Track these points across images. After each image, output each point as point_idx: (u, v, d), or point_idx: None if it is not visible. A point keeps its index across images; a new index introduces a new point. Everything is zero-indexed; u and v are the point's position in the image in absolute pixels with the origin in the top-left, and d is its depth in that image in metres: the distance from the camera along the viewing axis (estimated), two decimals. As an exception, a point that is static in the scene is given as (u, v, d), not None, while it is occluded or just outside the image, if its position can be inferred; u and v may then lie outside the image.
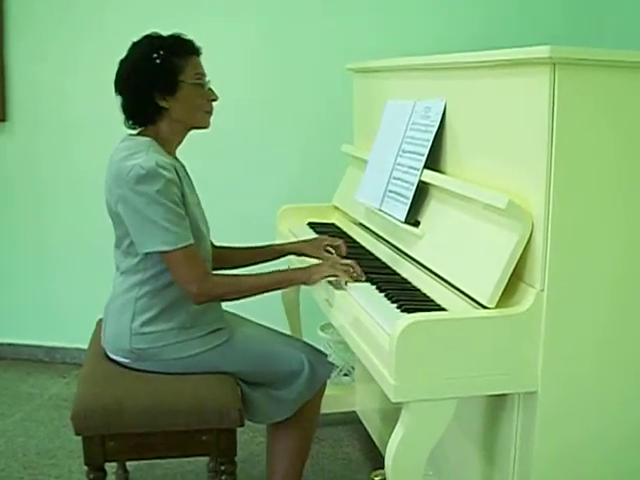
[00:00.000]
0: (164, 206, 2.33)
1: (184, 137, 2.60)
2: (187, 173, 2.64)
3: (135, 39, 2.51)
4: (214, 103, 2.57)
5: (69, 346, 4.58)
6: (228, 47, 4.10)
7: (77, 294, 4.47)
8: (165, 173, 2.33)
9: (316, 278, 2.51)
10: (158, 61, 2.44)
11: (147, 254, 2.42)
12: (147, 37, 2.50)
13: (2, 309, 4.67)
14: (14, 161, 4.47)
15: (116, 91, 2.51)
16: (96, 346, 2.66)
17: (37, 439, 3.64)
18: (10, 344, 4.68)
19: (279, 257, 2.93)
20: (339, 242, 2.83)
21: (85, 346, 2.82)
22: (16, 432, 3.72)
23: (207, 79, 2.55)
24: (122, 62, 2.50)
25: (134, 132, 2.56)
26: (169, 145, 2.54)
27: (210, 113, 2.57)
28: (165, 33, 2.52)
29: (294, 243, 2.98)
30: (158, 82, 2.44)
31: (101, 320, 2.69)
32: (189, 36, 2.53)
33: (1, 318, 4.69)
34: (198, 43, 2.53)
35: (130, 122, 2.54)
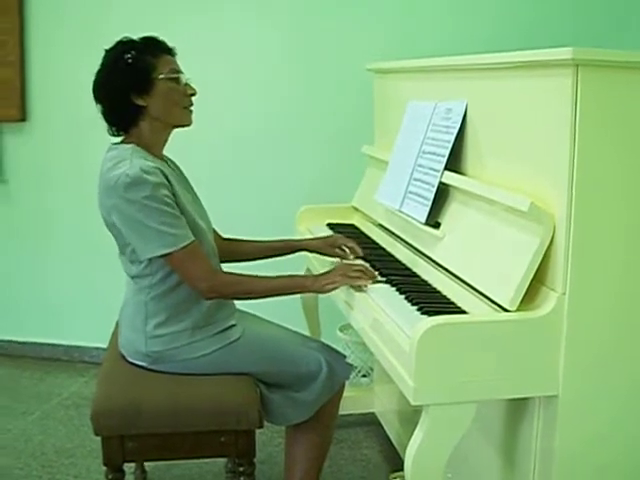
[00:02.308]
0: (157, 210, 2.32)
1: (168, 136, 2.59)
2: (179, 171, 2.65)
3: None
4: (193, 98, 2.56)
5: (88, 345, 4.60)
6: (249, 48, 4.11)
7: (96, 293, 4.49)
8: (151, 178, 2.32)
9: (329, 288, 2.49)
10: (130, 61, 2.44)
11: (152, 258, 2.42)
12: (119, 42, 2.51)
13: (22, 308, 4.70)
14: (34, 160, 4.49)
15: (95, 100, 2.51)
16: (114, 347, 2.67)
17: (56, 438, 3.66)
18: (29, 343, 4.71)
19: (292, 252, 2.92)
20: (353, 243, 2.83)
21: (103, 345, 2.82)
22: (35, 431, 3.73)
23: (185, 76, 2.54)
24: (98, 71, 2.50)
25: (118, 140, 2.55)
26: (154, 147, 2.53)
27: (189, 109, 2.56)
28: (139, 35, 2.52)
29: (308, 240, 2.99)
30: (132, 81, 2.43)
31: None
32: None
33: (21, 317, 4.71)
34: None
35: (113, 128, 2.54)
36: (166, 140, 2.60)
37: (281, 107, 4.17)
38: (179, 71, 2.52)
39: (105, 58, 2.50)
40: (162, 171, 2.40)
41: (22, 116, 4.40)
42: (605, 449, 2.08)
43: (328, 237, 2.94)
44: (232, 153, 4.19)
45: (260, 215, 4.21)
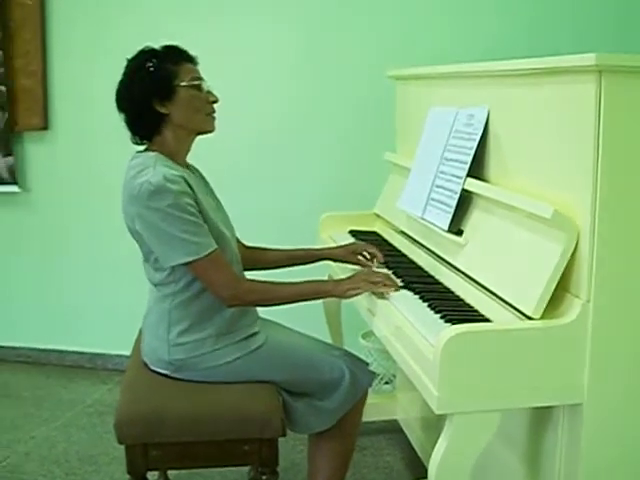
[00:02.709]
0: (179, 219, 2.33)
1: (191, 144, 2.60)
2: (203, 179, 2.66)
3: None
4: (215, 105, 2.56)
5: (111, 352, 4.62)
6: (269, 53, 4.12)
7: (120, 300, 4.50)
8: (173, 187, 2.33)
9: (351, 294, 2.50)
10: (152, 69, 2.45)
11: (175, 266, 2.42)
12: (141, 51, 2.52)
13: (45, 316, 4.72)
14: (56, 168, 4.52)
15: (118, 109, 2.52)
16: (138, 355, 2.67)
17: (79, 445, 3.67)
18: (53, 350, 4.73)
19: (314, 261, 2.93)
20: (374, 249, 2.83)
21: (126, 352, 2.83)
22: (58, 438, 3.75)
23: (206, 83, 2.54)
24: (120, 80, 2.51)
25: (142, 148, 2.56)
26: (177, 155, 2.54)
27: (212, 116, 2.56)
28: (161, 44, 2.53)
29: (330, 249, 2.99)
30: (155, 88, 2.44)
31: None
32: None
33: (44, 324, 4.74)
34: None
35: (136, 137, 2.55)
36: (189, 147, 2.60)
37: (302, 113, 4.18)
38: (200, 78, 2.53)
39: (127, 67, 2.50)
40: (185, 179, 2.40)
41: (44, 125, 4.43)
42: (631, 458, 2.06)
43: (349, 245, 2.94)
44: (251, 161, 4.19)
45: (281, 223, 4.21)
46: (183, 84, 2.46)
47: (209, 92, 2.54)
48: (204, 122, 2.54)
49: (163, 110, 2.46)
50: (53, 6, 4.32)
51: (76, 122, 4.43)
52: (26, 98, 4.40)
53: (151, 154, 2.47)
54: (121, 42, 4.10)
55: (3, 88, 4.37)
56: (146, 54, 2.50)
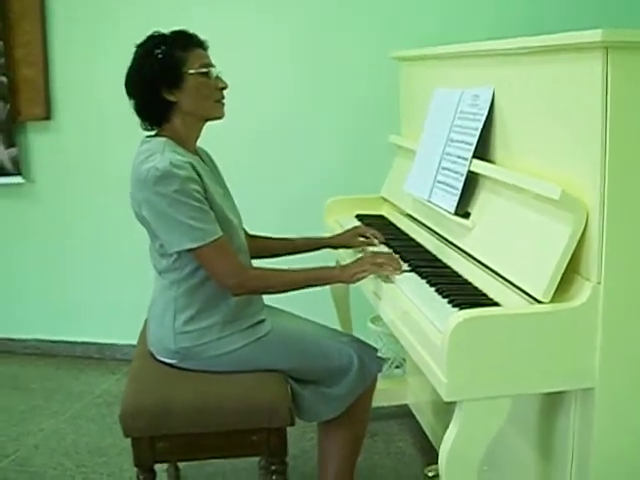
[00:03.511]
0: (186, 204, 2.31)
1: (200, 130, 2.57)
2: (214, 165, 2.64)
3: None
4: (225, 92, 2.54)
5: (119, 342, 4.60)
6: (273, 36, 4.09)
7: (126, 290, 4.48)
8: (180, 172, 2.31)
9: (358, 277, 2.47)
10: (160, 56, 2.42)
11: (181, 252, 2.40)
12: (150, 37, 2.49)
13: (52, 307, 4.72)
14: (59, 158, 4.50)
15: (127, 95, 2.50)
16: (143, 346, 2.65)
17: (89, 437, 3.66)
18: (61, 341, 4.73)
19: (315, 250, 2.92)
20: (373, 230, 2.85)
21: (134, 342, 2.80)
22: (68, 430, 3.74)
23: (216, 69, 2.52)
24: (130, 66, 2.49)
25: (151, 133, 2.54)
26: (186, 141, 2.51)
27: (221, 102, 2.54)
28: (170, 30, 2.50)
29: (332, 236, 2.99)
30: (163, 76, 2.42)
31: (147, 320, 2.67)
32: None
33: (52, 316, 4.73)
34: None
35: (145, 123, 2.53)
36: (199, 134, 2.58)
37: (306, 96, 4.15)
38: (210, 64, 2.50)
39: (136, 53, 2.48)
40: (193, 165, 2.38)
41: (47, 115, 4.40)
42: (644, 442, 2.03)
43: (350, 229, 2.94)
44: (255, 147, 4.16)
45: (287, 209, 4.20)
46: (192, 72, 2.44)
47: (218, 78, 2.52)
48: (213, 109, 2.52)
49: (171, 98, 2.44)
50: (54, -5, 4.30)
51: (79, 111, 4.40)
52: (28, 88, 4.37)
53: (160, 139, 2.46)
54: (122, 31, 4.11)
55: (4, 79, 4.34)
56: (155, 40, 2.47)
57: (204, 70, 2.47)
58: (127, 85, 2.49)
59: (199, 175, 2.39)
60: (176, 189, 2.29)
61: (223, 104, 2.55)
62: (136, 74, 2.47)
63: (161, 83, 2.42)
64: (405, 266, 2.53)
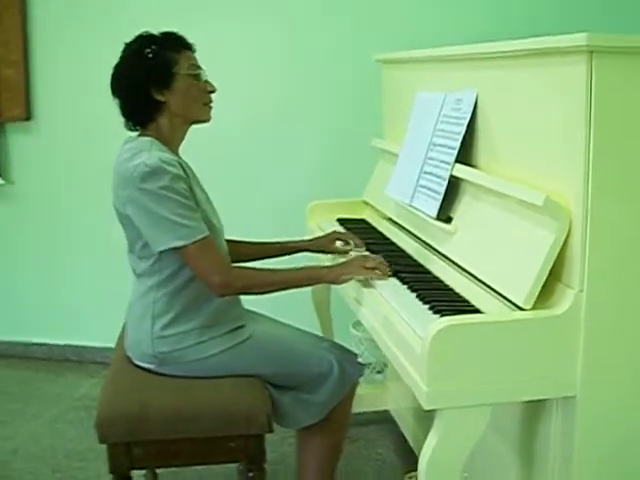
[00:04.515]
0: (173, 201, 2.28)
1: (185, 133, 2.56)
2: (192, 171, 2.58)
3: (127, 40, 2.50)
4: (213, 95, 2.54)
5: (98, 345, 4.55)
6: (257, 39, 4.05)
7: (106, 293, 4.45)
8: (170, 168, 2.29)
9: (344, 279, 2.46)
10: (151, 55, 2.41)
11: (161, 254, 2.37)
12: (139, 36, 2.48)
13: (30, 309, 4.67)
14: (40, 159, 4.46)
15: (113, 94, 2.48)
16: (121, 350, 2.62)
17: (66, 441, 3.62)
18: (39, 344, 4.68)
19: (291, 254, 2.90)
20: (350, 235, 2.86)
21: (114, 345, 2.77)
22: (45, 434, 3.70)
23: (204, 72, 2.51)
24: (116, 65, 2.48)
25: (135, 134, 2.52)
26: (171, 143, 2.49)
27: (209, 106, 2.54)
28: (159, 30, 2.50)
29: (307, 240, 2.99)
30: (153, 76, 2.41)
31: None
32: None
33: (30, 318, 4.69)
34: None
35: (130, 123, 2.51)
36: (183, 136, 2.56)
37: (288, 99, 4.11)
38: (199, 67, 2.49)
39: (124, 52, 2.47)
40: (181, 164, 2.37)
41: (27, 115, 4.35)
42: (625, 451, 2.02)
43: (328, 234, 2.93)
44: (236, 150, 4.14)
45: (268, 209, 4.17)
46: (182, 72, 2.43)
47: (207, 82, 2.51)
48: (201, 111, 2.52)
49: (160, 97, 2.43)
50: (34, -7, 4.25)
51: (59, 112, 4.36)
52: (8, 88, 4.31)
53: (146, 139, 2.44)
54: (105, 31, 4.09)
55: (-16, 78, 4.29)
56: (144, 39, 2.46)
57: (194, 72, 2.46)
58: (113, 83, 2.48)
59: (187, 175, 2.38)
60: (163, 185, 2.27)
61: (210, 107, 2.54)
62: (124, 73, 2.45)
63: (150, 82, 2.41)
64: (391, 271, 2.50)
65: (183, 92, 2.44)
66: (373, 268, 2.45)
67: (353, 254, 2.76)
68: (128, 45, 2.47)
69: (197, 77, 2.48)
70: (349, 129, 4.02)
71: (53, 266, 4.59)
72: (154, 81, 2.41)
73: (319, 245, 2.89)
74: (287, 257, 2.86)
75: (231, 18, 4.07)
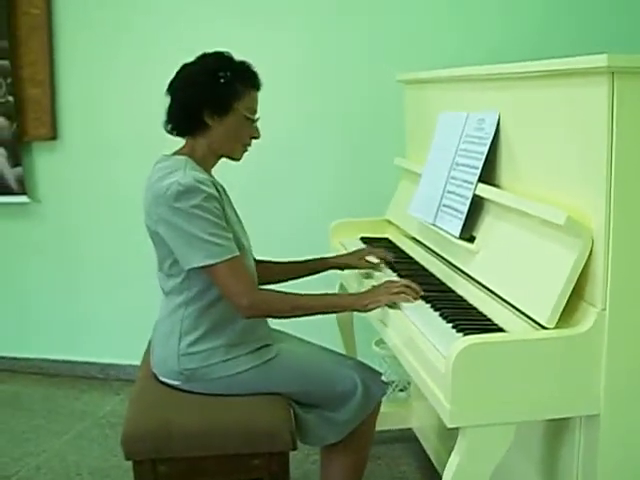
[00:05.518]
0: (205, 220, 2.30)
1: (216, 162, 2.57)
2: (226, 192, 2.59)
3: (208, 51, 2.51)
4: (254, 141, 2.55)
5: (123, 363, 4.58)
6: (276, 57, 4.07)
7: (130, 310, 4.48)
8: (204, 188, 2.31)
9: (371, 308, 2.44)
10: (222, 80, 2.42)
11: (190, 272, 2.39)
12: (219, 54, 2.49)
13: (55, 326, 4.70)
14: (65, 178, 4.50)
15: (168, 91, 2.49)
16: (147, 367, 2.63)
17: (91, 458, 3.63)
18: (64, 361, 4.71)
19: (321, 271, 2.90)
20: (381, 251, 2.87)
21: (138, 362, 2.79)
22: (70, 451, 3.71)
23: (258, 116, 2.53)
24: (186, 66, 2.49)
25: (169, 152, 2.52)
26: (204, 164, 2.50)
27: (246, 149, 2.56)
28: (237, 57, 2.51)
29: (338, 256, 2.98)
30: (214, 99, 2.42)
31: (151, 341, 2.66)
32: (241, 50, 2.50)
33: (55, 335, 4.71)
34: (243, 53, 2.50)
35: (169, 127, 2.52)
36: (215, 163, 2.58)
37: (310, 119, 4.14)
38: (256, 111, 2.52)
39: (199, 62, 2.49)
40: (214, 184, 2.39)
41: (53, 134, 4.40)
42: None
43: (357, 251, 2.94)
44: (259, 169, 4.12)
45: (291, 231, 4.19)
46: (241, 109, 2.46)
47: (256, 128, 2.54)
48: (236, 151, 2.55)
49: (209, 121, 2.44)
50: (60, 15, 4.29)
51: (85, 131, 4.39)
52: (34, 108, 4.37)
53: (181, 157, 2.45)
54: (129, 50, 4.10)
55: (11, 98, 4.34)
56: (223, 61, 2.48)
57: (251, 116, 2.49)
58: (174, 82, 2.49)
59: (220, 195, 2.40)
60: (196, 204, 2.28)
61: (246, 150, 2.56)
62: (190, 80, 2.46)
63: (208, 104, 2.43)
64: (421, 291, 2.47)
65: (231, 127, 2.47)
66: (401, 292, 2.43)
67: (381, 267, 2.77)
68: (206, 56, 2.49)
69: (251, 120, 2.50)
70: (372, 148, 4.03)
71: (78, 284, 4.62)
72: (211, 104, 2.43)
73: (348, 262, 2.89)
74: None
75: (250, 31, 4.08)
